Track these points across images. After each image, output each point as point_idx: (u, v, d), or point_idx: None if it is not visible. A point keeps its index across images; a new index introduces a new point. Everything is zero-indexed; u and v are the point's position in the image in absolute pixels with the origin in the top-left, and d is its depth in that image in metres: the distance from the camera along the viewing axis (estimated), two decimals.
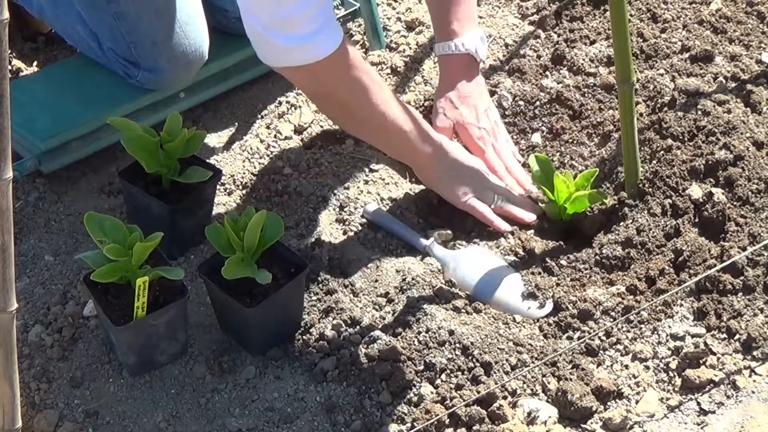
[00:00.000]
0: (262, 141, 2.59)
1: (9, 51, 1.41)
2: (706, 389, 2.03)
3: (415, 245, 2.33)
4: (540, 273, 2.26)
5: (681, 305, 2.15)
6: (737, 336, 2.09)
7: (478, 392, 2.00)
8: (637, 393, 2.05)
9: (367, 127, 2.34)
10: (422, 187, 2.48)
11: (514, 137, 2.59)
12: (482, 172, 2.40)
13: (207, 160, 2.37)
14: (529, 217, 2.38)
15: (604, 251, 2.28)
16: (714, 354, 2.07)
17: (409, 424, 1.99)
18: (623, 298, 2.17)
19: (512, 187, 2.41)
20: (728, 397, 2.02)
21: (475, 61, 2.51)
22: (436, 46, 2.53)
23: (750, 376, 2.04)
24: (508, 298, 2.21)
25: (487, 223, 2.36)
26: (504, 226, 2.35)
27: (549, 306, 2.19)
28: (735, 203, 2.28)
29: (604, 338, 2.11)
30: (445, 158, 2.38)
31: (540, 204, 2.41)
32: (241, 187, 2.48)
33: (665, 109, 2.50)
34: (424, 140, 2.35)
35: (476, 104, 2.49)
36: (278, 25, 2.08)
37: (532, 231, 2.39)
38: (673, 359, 2.08)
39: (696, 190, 2.29)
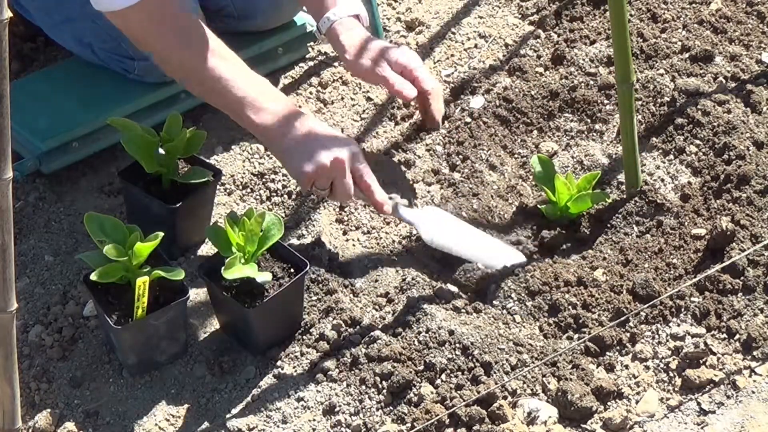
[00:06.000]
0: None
1: (9, 51, 1.42)
2: (706, 389, 2.03)
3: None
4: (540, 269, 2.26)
5: (681, 305, 2.15)
6: (737, 336, 2.09)
7: (478, 392, 2.00)
8: (637, 393, 2.05)
9: (196, 87, 2.32)
10: (422, 187, 2.48)
11: (515, 138, 2.59)
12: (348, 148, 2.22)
13: (207, 160, 2.37)
14: (385, 206, 2.25)
15: (603, 250, 2.29)
16: (714, 354, 2.07)
17: (409, 424, 1.99)
18: (623, 298, 2.18)
19: (435, 119, 2.45)
20: (728, 397, 2.02)
21: (362, 23, 2.48)
22: (320, 23, 2.47)
23: (750, 376, 2.04)
24: (480, 250, 2.27)
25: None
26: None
27: (520, 256, 2.24)
28: (737, 203, 2.28)
29: (604, 338, 2.11)
30: (294, 125, 2.22)
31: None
32: (241, 187, 2.48)
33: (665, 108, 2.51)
34: (264, 103, 2.23)
35: (385, 43, 2.48)
36: None
37: (531, 234, 2.39)
38: (673, 359, 2.08)
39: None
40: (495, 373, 2.05)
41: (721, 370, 2.05)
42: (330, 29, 2.47)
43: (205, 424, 2.05)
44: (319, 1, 2.49)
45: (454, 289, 2.23)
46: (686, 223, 2.29)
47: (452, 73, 2.75)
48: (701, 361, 2.06)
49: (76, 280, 2.29)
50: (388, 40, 2.83)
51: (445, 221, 2.34)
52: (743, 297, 2.13)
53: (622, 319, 2.12)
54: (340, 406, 2.03)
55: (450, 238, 2.31)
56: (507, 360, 2.07)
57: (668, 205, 2.35)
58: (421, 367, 2.06)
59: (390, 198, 2.32)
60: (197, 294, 2.25)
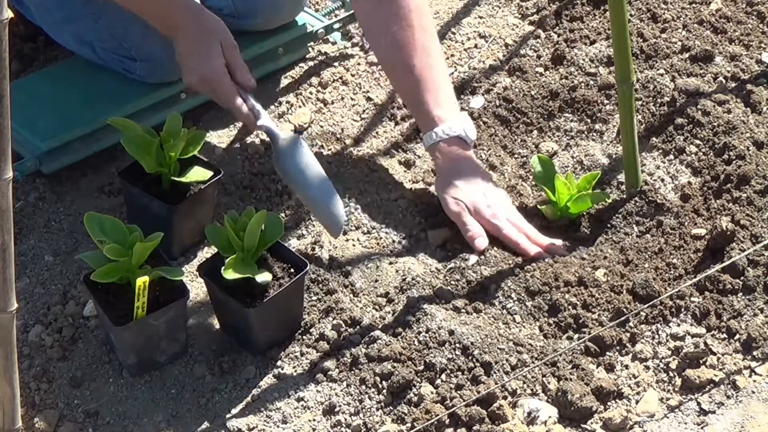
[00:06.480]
0: (262, 141, 2.58)
1: (9, 51, 1.41)
2: (706, 389, 2.03)
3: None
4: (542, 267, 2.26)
5: (681, 305, 2.15)
6: (737, 336, 2.09)
7: (478, 392, 2.00)
8: (637, 393, 2.05)
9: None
10: (422, 187, 2.48)
11: (515, 138, 2.59)
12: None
13: (207, 160, 2.37)
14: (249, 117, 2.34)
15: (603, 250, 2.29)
16: (714, 354, 2.07)
17: (409, 424, 1.99)
18: (622, 299, 2.18)
19: (539, 255, 2.28)
20: (728, 397, 2.02)
21: (467, 144, 2.39)
22: (424, 138, 2.40)
23: (750, 376, 2.04)
24: (325, 200, 2.28)
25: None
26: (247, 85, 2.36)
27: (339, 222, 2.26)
28: (737, 203, 2.28)
29: (604, 338, 2.11)
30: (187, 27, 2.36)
31: (562, 243, 2.33)
32: (241, 187, 2.48)
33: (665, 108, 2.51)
34: (159, 19, 2.37)
35: (480, 184, 2.36)
36: None
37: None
38: (673, 359, 2.08)
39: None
40: (495, 373, 2.05)
41: (721, 370, 2.05)
42: (431, 147, 2.39)
43: (205, 424, 2.05)
44: (425, 113, 2.40)
45: (451, 288, 2.23)
46: (686, 223, 2.30)
47: (452, 73, 2.74)
48: (701, 361, 2.06)
49: (76, 280, 2.29)
50: None
51: (304, 155, 2.32)
52: (743, 297, 2.14)
53: (622, 319, 2.12)
54: (340, 406, 2.03)
55: (301, 175, 2.30)
56: (507, 360, 2.06)
57: (668, 205, 2.35)
58: (421, 367, 2.06)
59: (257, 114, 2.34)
60: (197, 294, 2.25)
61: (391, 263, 2.29)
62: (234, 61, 2.36)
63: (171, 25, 2.38)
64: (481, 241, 2.30)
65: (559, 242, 2.33)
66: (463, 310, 2.17)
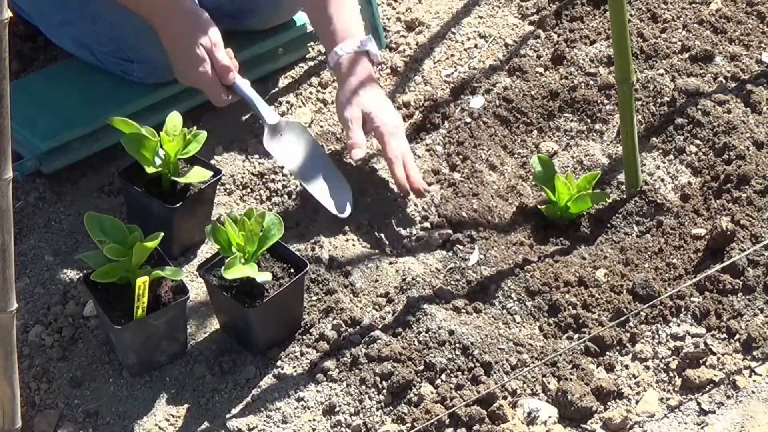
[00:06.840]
0: (262, 141, 2.58)
1: (9, 51, 1.41)
2: (706, 389, 2.03)
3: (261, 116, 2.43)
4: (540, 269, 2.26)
5: (681, 305, 2.15)
6: (737, 336, 2.09)
7: (478, 392, 2.00)
8: (637, 393, 2.05)
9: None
10: None
11: (515, 138, 2.59)
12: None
13: (207, 160, 2.37)
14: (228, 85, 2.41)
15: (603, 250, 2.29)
16: (714, 354, 2.07)
17: (409, 424, 1.99)
18: (622, 299, 2.18)
19: (403, 185, 2.35)
20: (728, 397, 2.02)
21: (372, 63, 2.44)
22: (329, 56, 2.43)
23: (750, 376, 2.04)
24: (323, 189, 2.36)
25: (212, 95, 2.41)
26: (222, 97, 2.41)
27: (348, 209, 2.34)
28: (737, 203, 2.28)
29: (604, 338, 2.11)
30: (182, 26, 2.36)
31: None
32: (241, 187, 2.48)
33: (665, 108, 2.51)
34: (156, 18, 2.37)
35: (378, 98, 2.42)
36: None
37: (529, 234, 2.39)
38: (673, 359, 2.08)
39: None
40: (495, 373, 2.05)
41: (721, 370, 2.05)
42: (336, 64, 2.42)
43: (205, 424, 2.05)
44: (330, 33, 2.45)
45: (451, 288, 2.23)
46: (686, 223, 2.30)
47: (452, 73, 2.75)
48: (701, 361, 2.06)
49: (76, 280, 2.29)
50: (388, 40, 2.83)
51: (307, 139, 2.44)
52: (743, 297, 2.14)
53: (622, 319, 2.12)
54: (340, 406, 2.03)
55: (302, 165, 2.40)
56: (507, 360, 2.07)
57: (668, 205, 2.35)
58: (421, 367, 2.06)
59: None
60: (197, 294, 2.25)
61: (391, 263, 2.30)
62: (217, 62, 2.37)
63: (156, 24, 2.39)
64: (358, 153, 2.35)
65: (433, 189, 2.40)
66: (463, 310, 2.17)
